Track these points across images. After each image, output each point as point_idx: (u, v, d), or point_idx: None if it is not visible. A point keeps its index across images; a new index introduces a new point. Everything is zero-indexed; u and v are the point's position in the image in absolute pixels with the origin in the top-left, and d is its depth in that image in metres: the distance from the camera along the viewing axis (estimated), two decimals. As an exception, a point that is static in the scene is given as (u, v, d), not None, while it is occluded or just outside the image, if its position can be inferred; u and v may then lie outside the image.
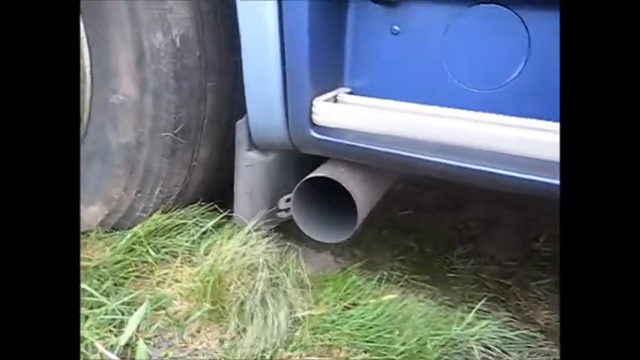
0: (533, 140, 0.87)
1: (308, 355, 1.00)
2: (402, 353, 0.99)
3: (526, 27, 0.91)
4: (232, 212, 1.25)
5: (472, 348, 1.04)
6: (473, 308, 1.12)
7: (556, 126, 0.90)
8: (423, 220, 1.65)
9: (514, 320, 1.15)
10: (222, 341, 1.03)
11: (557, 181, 0.82)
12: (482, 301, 1.14)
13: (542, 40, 0.91)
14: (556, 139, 0.85)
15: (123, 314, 1.05)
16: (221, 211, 1.33)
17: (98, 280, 1.13)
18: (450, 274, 1.36)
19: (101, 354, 0.96)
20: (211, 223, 1.29)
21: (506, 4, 0.91)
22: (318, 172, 1.05)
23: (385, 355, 0.99)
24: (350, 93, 1.08)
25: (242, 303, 1.03)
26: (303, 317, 1.06)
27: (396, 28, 1.01)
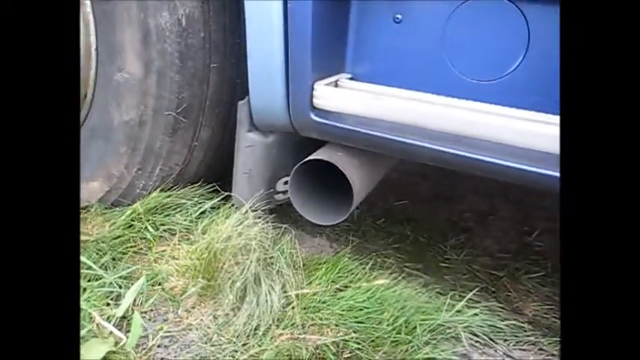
0: (530, 131, 0.88)
1: (299, 334, 1.01)
2: (390, 335, 1.01)
3: (526, 19, 0.92)
4: (231, 193, 1.27)
5: (460, 334, 1.06)
6: (463, 297, 1.13)
7: (554, 118, 0.91)
8: (418, 210, 1.67)
9: (503, 310, 1.17)
10: (215, 317, 1.05)
11: (554, 173, 0.83)
12: (474, 291, 1.16)
13: (541, 33, 0.92)
14: (553, 131, 0.86)
15: (120, 287, 1.08)
16: (220, 191, 1.34)
17: (97, 254, 1.16)
18: (442, 264, 1.37)
19: (98, 324, 0.98)
20: (210, 203, 1.31)
21: (507, -4, 0.93)
22: (317, 155, 1.06)
23: (374, 334, 1.01)
24: (351, 79, 1.09)
25: (236, 281, 1.05)
26: (296, 296, 1.08)
27: (399, 16, 1.02)
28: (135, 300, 1.06)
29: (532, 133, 0.88)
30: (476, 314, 1.10)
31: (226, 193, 1.33)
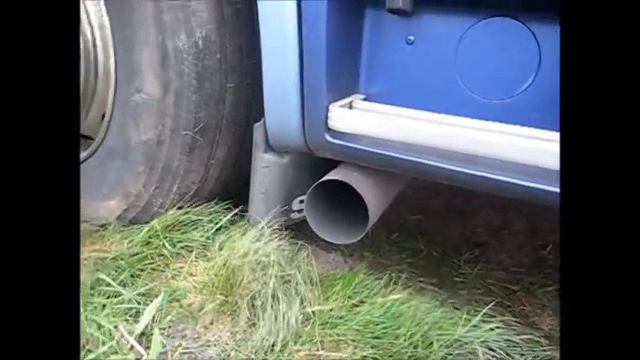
0: (541, 150, 0.89)
1: (317, 350, 1.03)
2: (407, 350, 1.02)
3: (537, 40, 0.93)
4: (247, 210, 1.29)
5: (476, 349, 1.06)
6: (479, 312, 1.14)
7: (564, 137, 0.93)
8: (432, 225, 1.68)
9: (519, 325, 1.17)
10: (233, 334, 1.06)
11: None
12: (490, 305, 1.16)
13: (552, 54, 0.93)
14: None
15: (139, 304, 1.09)
16: (235, 209, 1.36)
17: (115, 271, 1.17)
18: (457, 279, 1.38)
19: (118, 341, 0.99)
20: (225, 219, 1.33)
21: (518, 18, 0.94)
22: (332, 175, 1.08)
23: (391, 350, 1.02)
24: (365, 99, 1.11)
25: (254, 297, 1.07)
26: (313, 312, 1.10)
27: (411, 38, 1.04)
28: (154, 316, 1.08)
29: (543, 151, 0.89)
30: (492, 329, 1.10)
31: (240, 210, 1.35)
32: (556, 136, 0.93)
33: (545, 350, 1.11)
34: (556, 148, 0.88)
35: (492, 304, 1.19)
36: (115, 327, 1.02)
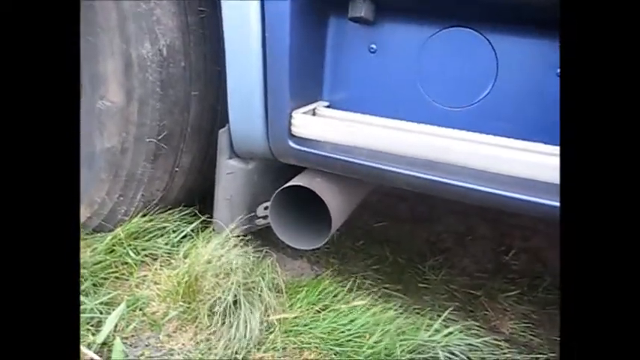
0: (499, 157, 0.91)
1: (280, 357, 1.03)
2: (370, 357, 1.03)
3: (494, 50, 0.96)
4: (212, 217, 1.29)
5: (438, 354, 1.08)
6: (441, 317, 1.16)
7: (521, 143, 0.95)
8: (397, 232, 1.70)
9: (480, 329, 1.19)
10: (197, 342, 1.06)
11: (521, 196, 0.87)
12: (450, 310, 1.18)
13: (508, 63, 0.96)
14: (520, 155, 0.90)
15: (101, 313, 1.08)
16: (201, 216, 1.36)
17: (78, 280, 1.16)
18: (421, 284, 1.40)
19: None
20: (191, 227, 1.33)
21: (477, 29, 0.97)
22: (295, 182, 1.09)
23: (354, 357, 1.03)
24: (328, 106, 1.12)
25: (216, 305, 1.06)
26: (277, 320, 1.10)
27: (374, 46, 1.06)
28: (116, 326, 1.07)
29: (501, 158, 0.91)
30: (453, 333, 1.12)
31: (207, 217, 1.34)
32: (513, 143, 0.96)
33: (505, 353, 1.14)
34: (513, 154, 0.91)
35: (453, 309, 1.22)
36: (76, 336, 1.01)
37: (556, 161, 0.86)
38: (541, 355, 1.15)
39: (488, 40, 0.97)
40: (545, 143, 0.93)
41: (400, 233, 1.69)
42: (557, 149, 0.91)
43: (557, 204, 0.84)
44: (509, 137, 0.97)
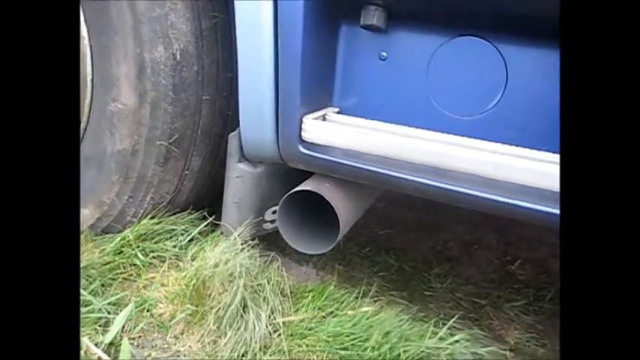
0: (507, 165, 0.92)
1: (285, 360, 1.04)
2: (375, 360, 1.04)
3: (503, 58, 0.97)
4: (220, 220, 1.30)
5: (443, 361, 1.08)
6: (446, 325, 1.16)
7: (531, 152, 0.96)
8: (403, 240, 1.70)
9: (485, 338, 1.19)
10: (203, 344, 1.06)
11: (530, 205, 0.87)
12: (456, 317, 1.18)
13: (518, 71, 0.97)
14: (529, 164, 0.91)
15: (109, 313, 1.09)
16: (209, 219, 1.37)
17: (86, 280, 1.16)
18: (426, 292, 1.40)
19: (86, 350, 0.99)
20: (198, 229, 1.34)
21: (486, 38, 0.98)
22: (304, 186, 1.09)
23: (359, 361, 1.04)
24: (338, 112, 1.14)
25: (223, 307, 1.07)
26: (283, 323, 1.11)
27: (384, 54, 1.07)
28: (124, 326, 1.07)
29: (510, 166, 0.92)
30: (458, 341, 1.12)
31: (213, 220, 1.35)
32: (521, 151, 0.97)
33: (510, 363, 1.14)
34: (522, 163, 0.91)
35: (458, 317, 1.21)
36: (85, 336, 1.01)
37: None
38: (546, 365, 1.15)
39: (498, 49, 0.98)
40: (554, 152, 0.94)
41: (406, 241, 1.69)
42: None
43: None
44: (518, 146, 0.98)
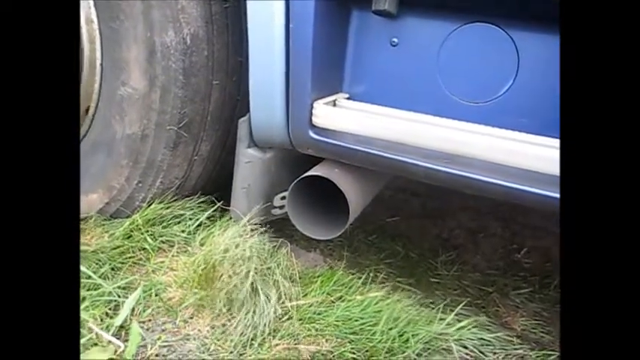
0: (518, 151, 0.93)
1: (295, 344, 1.04)
2: (384, 345, 1.04)
3: (515, 45, 0.97)
4: (229, 206, 1.30)
5: (451, 346, 1.09)
6: (453, 311, 1.17)
7: (541, 139, 0.96)
8: (410, 227, 1.70)
9: (492, 324, 1.20)
10: (213, 327, 1.07)
11: (541, 191, 0.88)
12: (463, 304, 1.19)
13: (530, 58, 0.97)
14: (540, 151, 0.91)
15: (119, 297, 1.10)
16: (218, 204, 1.37)
17: (96, 264, 1.18)
18: (433, 279, 1.41)
19: (97, 334, 1.00)
20: (206, 214, 1.34)
21: (498, 24, 0.98)
22: (314, 171, 1.10)
23: (368, 344, 1.04)
24: (349, 98, 1.14)
25: (233, 291, 1.08)
26: (292, 307, 1.11)
27: (395, 40, 1.07)
28: (133, 310, 1.08)
29: (520, 152, 0.92)
30: (465, 327, 1.13)
31: (222, 205, 1.36)
32: (532, 138, 0.97)
33: (517, 349, 1.15)
34: (532, 149, 0.92)
35: (465, 304, 1.22)
36: (95, 319, 1.02)
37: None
38: (552, 352, 1.16)
39: (510, 36, 0.98)
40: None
41: (412, 228, 1.70)
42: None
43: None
44: (528, 132, 0.98)
